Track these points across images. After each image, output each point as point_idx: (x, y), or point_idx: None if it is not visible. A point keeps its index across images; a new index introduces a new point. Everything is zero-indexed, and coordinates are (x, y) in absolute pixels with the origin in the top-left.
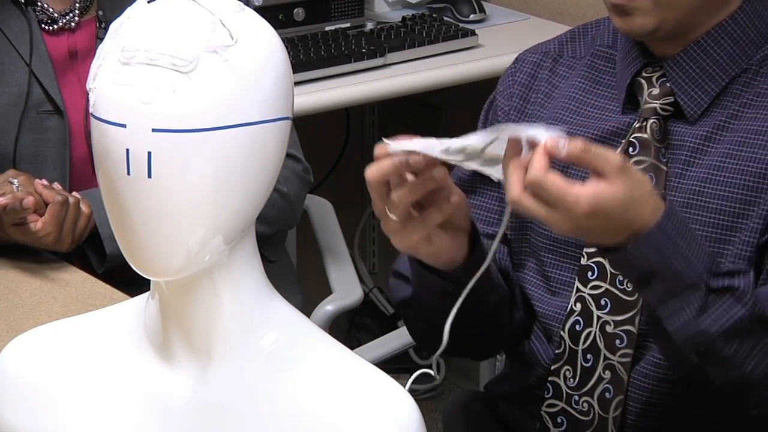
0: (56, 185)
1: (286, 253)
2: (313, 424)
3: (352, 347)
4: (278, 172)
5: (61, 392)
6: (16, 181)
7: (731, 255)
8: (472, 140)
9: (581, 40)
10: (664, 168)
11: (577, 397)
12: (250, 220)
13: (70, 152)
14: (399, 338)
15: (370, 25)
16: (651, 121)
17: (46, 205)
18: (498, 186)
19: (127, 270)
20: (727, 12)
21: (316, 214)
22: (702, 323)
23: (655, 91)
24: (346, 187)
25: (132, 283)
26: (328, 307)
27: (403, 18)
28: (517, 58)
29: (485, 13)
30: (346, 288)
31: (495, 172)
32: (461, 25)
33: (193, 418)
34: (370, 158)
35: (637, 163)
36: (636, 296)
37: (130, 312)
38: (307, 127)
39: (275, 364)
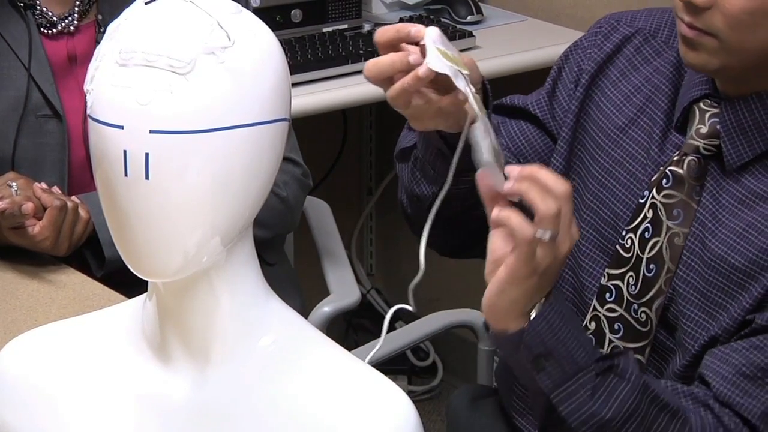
0: (55, 189)
1: (285, 256)
2: (310, 425)
3: (349, 348)
4: (276, 173)
5: (59, 393)
6: (15, 184)
7: (718, 323)
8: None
9: None
10: (695, 206)
11: None
12: (248, 221)
13: (69, 156)
14: (396, 340)
15: (367, 27)
16: (690, 158)
17: (45, 209)
18: (536, 122)
19: (125, 273)
20: None
21: (313, 216)
22: (594, 405)
23: (704, 129)
24: (344, 188)
25: (130, 285)
26: (326, 308)
27: (401, 19)
28: (611, 24)
29: (482, 14)
30: (343, 289)
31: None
32: (458, 26)
33: (191, 419)
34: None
35: (666, 197)
36: (649, 327)
37: (127, 313)
38: (305, 129)
39: (273, 365)
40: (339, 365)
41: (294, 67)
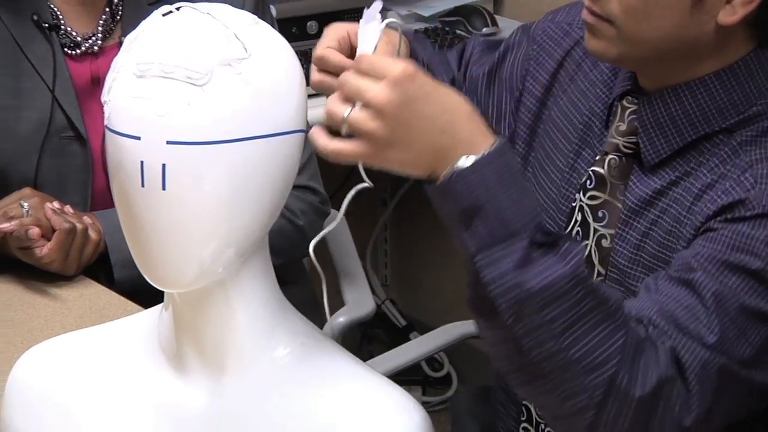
0: (68, 208)
1: (305, 275)
2: None
3: (363, 359)
4: (292, 184)
5: (74, 403)
6: (26, 204)
7: None
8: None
9: None
10: (619, 206)
11: (543, 426)
12: (264, 231)
13: (92, 178)
14: (411, 350)
15: None
16: (610, 157)
17: (55, 230)
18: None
19: (142, 283)
20: (714, 66)
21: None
22: (521, 276)
23: (623, 126)
24: (359, 199)
25: (146, 295)
26: (341, 318)
27: (416, 31)
28: (563, 29)
29: (498, 26)
30: (358, 300)
31: None
32: None
33: (206, 429)
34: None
35: (591, 198)
36: None
37: (143, 323)
38: None
39: (288, 376)
40: (354, 376)
41: (310, 79)
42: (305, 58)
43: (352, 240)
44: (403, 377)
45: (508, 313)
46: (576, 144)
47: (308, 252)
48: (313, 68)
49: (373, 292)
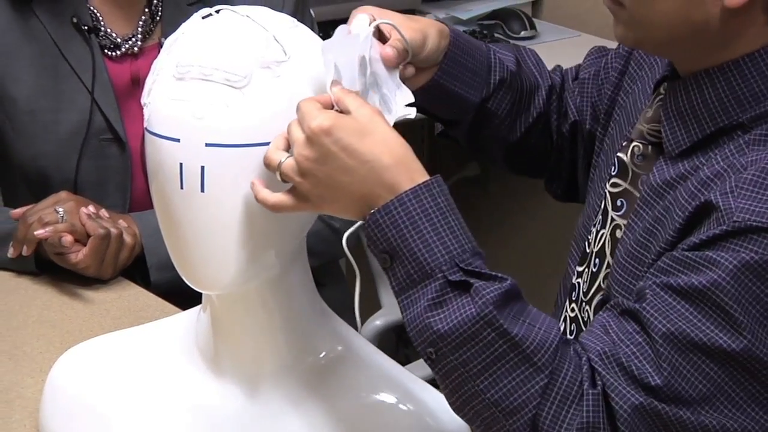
0: (103, 212)
1: (341, 276)
2: None
3: (400, 363)
4: None
5: (112, 405)
6: (61, 210)
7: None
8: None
9: None
10: (637, 195)
11: None
12: (301, 234)
13: (131, 179)
14: None
15: None
16: (634, 144)
17: (90, 235)
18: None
19: (180, 284)
20: (737, 54)
21: None
22: (431, 317)
23: (650, 112)
24: None
25: (184, 297)
26: (377, 321)
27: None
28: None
29: (536, 30)
30: (395, 303)
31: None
32: (512, 41)
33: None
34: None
35: (613, 185)
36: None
37: (181, 325)
38: None
39: (326, 379)
40: (392, 379)
41: None
42: None
43: None
44: None
45: (425, 354)
46: (619, 135)
47: (344, 253)
48: None
49: None
